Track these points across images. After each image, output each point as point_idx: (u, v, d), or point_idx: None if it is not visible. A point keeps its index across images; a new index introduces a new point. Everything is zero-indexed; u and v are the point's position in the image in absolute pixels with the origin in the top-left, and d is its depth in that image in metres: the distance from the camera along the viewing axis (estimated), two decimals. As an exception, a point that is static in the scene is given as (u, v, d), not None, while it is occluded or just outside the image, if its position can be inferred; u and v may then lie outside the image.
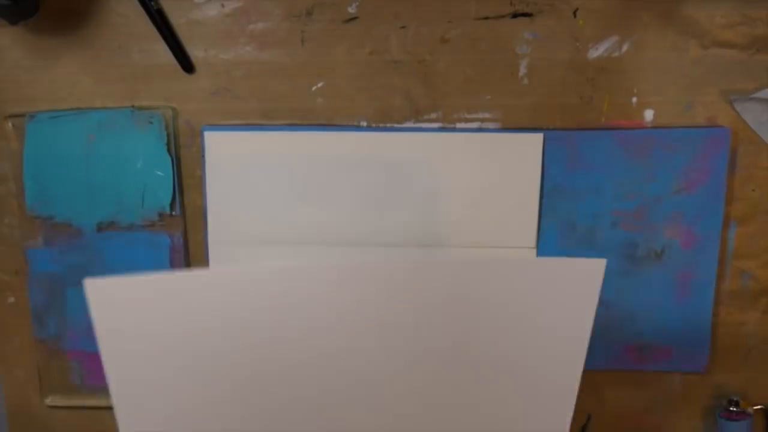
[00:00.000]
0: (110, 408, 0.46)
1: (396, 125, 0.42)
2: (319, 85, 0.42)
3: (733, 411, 0.43)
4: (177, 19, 0.41)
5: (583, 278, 0.34)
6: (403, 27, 0.41)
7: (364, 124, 0.42)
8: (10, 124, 0.43)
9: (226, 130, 0.42)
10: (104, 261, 0.44)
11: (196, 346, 0.31)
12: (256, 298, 0.31)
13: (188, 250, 0.44)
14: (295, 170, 0.42)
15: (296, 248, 0.43)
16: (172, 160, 0.42)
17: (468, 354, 0.34)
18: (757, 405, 0.44)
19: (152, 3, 0.40)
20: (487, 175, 0.42)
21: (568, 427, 0.36)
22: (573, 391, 0.35)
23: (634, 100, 0.41)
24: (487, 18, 0.41)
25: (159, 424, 0.32)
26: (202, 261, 0.44)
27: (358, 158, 0.42)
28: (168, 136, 0.42)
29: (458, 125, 0.42)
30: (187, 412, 0.32)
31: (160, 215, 0.43)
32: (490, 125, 0.42)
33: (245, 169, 0.42)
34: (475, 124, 0.42)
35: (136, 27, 0.41)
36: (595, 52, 0.41)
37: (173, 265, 0.43)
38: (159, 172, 0.42)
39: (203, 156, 0.42)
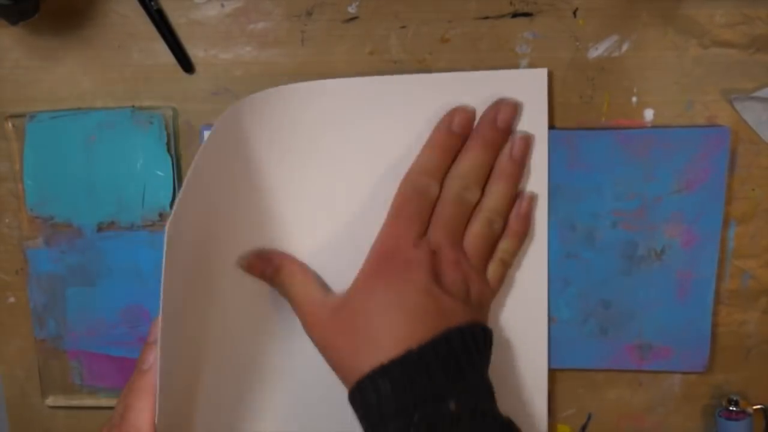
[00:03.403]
0: (110, 408, 0.46)
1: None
2: (319, 85, 0.42)
3: (733, 411, 0.43)
4: (177, 19, 0.41)
5: (530, 86, 0.40)
6: (403, 27, 0.41)
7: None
8: (10, 124, 0.43)
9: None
10: (104, 261, 0.44)
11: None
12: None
13: (188, 250, 0.44)
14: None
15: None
16: (172, 160, 0.42)
17: None
18: (757, 405, 0.44)
19: (152, 3, 0.40)
20: None
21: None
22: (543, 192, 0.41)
23: (634, 99, 0.41)
24: (487, 18, 0.41)
25: None
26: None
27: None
28: (168, 136, 0.42)
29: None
30: None
31: (161, 215, 0.43)
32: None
33: None
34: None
35: (136, 27, 0.41)
36: (595, 52, 0.41)
37: (173, 265, 0.43)
38: (159, 172, 0.42)
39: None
